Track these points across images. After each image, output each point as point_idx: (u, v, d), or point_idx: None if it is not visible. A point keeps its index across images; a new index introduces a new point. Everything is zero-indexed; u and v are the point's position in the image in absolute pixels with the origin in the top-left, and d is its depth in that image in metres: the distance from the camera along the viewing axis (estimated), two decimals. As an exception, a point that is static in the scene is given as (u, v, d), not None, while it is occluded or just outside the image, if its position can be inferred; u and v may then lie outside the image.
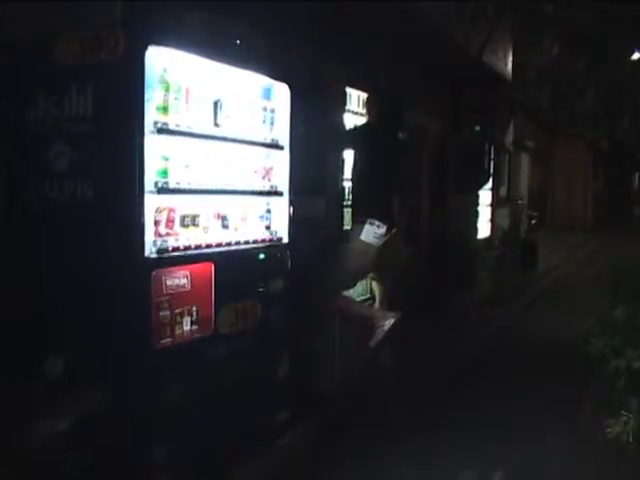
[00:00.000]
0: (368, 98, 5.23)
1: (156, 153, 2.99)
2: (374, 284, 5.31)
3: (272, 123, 3.86)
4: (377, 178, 4.76)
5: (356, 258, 4.69)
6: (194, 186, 3.24)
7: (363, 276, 5.15)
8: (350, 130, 5.08)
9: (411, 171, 6.75)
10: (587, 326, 4.04)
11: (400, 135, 5.30)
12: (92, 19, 3.02)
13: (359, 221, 4.72)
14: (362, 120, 5.24)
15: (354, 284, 5.06)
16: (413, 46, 5.83)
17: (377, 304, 5.22)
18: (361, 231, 4.63)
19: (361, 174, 4.89)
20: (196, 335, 3.24)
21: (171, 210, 3.11)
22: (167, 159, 3.07)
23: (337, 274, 4.67)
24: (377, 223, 4.61)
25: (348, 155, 5.03)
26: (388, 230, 4.65)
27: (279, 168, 3.91)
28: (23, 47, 3.16)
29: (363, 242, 4.62)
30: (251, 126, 3.70)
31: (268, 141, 3.84)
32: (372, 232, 4.61)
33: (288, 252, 3.95)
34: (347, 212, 5.12)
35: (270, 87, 3.82)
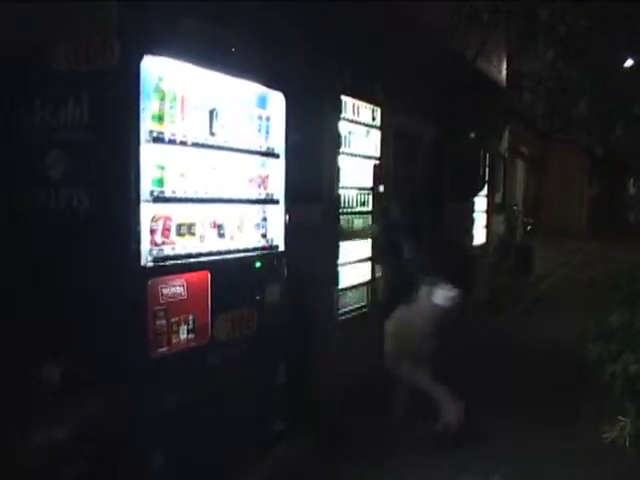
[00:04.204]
0: None
1: (151, 162, 3.00)
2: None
3: (267, 131, 3.87)
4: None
5: (424, 321, 4.54)
6: (190, 195, 3.24)
7: (428, 339, 4.65)
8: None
9: (406, 177, 6.75)
10: (584, 331, 4.04)
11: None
12: (88, 28, 3.03)
13: (423, 282, 4.59)
14: (356, 127, 5.24)
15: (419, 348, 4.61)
16: (408, 52, 5.86)
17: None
18: (430, 293, 4.53)
19: None
20: (193, 344, 3.24)
21: (167, 219, 3.12)
22: (163, 168, 3.07)
23: (401, 337, 4.57)
24: (447, 287, 4.52)
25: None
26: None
27: (275, 176, 3.92)
28: (19, 54, 3.16)
29: (435, 305, 4.51)
30: (246, 134, 3.71)
31: (264, 149, 3.85)
32: (444, 295, 4.51)
33: (284, 260, 3.96)
34: (343, 219, 5.10)
35: (265, 95, 3.84)
